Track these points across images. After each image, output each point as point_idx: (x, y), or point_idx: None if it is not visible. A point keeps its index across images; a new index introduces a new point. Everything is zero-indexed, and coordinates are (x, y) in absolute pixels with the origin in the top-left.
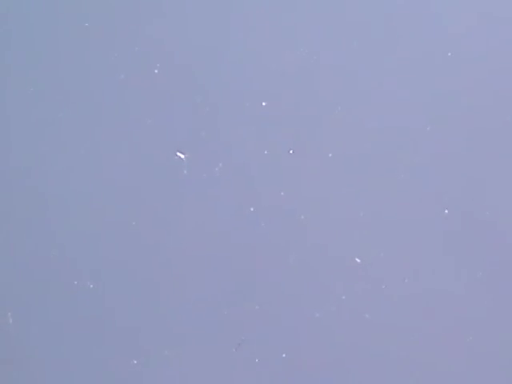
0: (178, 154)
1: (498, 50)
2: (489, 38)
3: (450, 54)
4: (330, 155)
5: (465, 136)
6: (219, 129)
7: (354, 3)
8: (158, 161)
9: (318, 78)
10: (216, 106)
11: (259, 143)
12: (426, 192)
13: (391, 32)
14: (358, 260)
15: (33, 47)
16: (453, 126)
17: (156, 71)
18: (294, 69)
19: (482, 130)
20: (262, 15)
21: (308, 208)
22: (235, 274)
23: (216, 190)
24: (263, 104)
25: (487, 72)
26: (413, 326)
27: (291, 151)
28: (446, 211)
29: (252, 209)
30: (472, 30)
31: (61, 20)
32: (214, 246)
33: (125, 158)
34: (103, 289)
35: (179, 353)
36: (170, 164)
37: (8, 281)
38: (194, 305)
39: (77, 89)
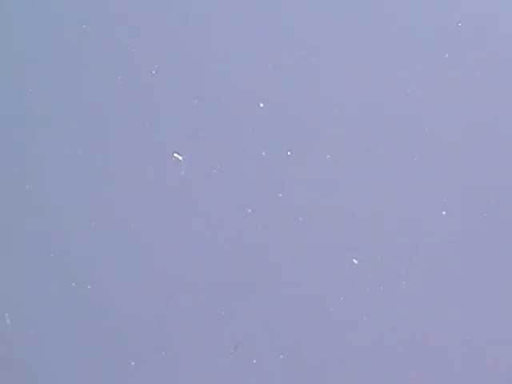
0: (176, 155)
1: (498, 50)
2: (488, 39)
3: (447, 56)
4: (328, 156)
5: (464, 138)
6: (217, 130)
7: (353, 4)
8: (155, 162)
9: (316, 79)
10: (213, 107)
11: (257, 144)
12: (424, 194)
13: (390, 34)
14: (356, 261)
15: (30, 49)
16: (452, 129)
17: (153, 72)
18: (292, 69)
19: (482, 133)
20: (260, 16)
21: (306, 209)
22: (233, 276)
23: (214, 191)
24: (261, 105)
25: (488, 73)
26: (411, 327)
27: (289, 153)
28: (444, 213)
29: (249, 210)
30: (472, 30)
31: (58, 21)
32: (212, 247)
33: (122, 159)
34: (101, 290)
35: (177, 354)
36: (167, 165)
37: (5, 282)
38: (192, 306)
39: (73, 90)
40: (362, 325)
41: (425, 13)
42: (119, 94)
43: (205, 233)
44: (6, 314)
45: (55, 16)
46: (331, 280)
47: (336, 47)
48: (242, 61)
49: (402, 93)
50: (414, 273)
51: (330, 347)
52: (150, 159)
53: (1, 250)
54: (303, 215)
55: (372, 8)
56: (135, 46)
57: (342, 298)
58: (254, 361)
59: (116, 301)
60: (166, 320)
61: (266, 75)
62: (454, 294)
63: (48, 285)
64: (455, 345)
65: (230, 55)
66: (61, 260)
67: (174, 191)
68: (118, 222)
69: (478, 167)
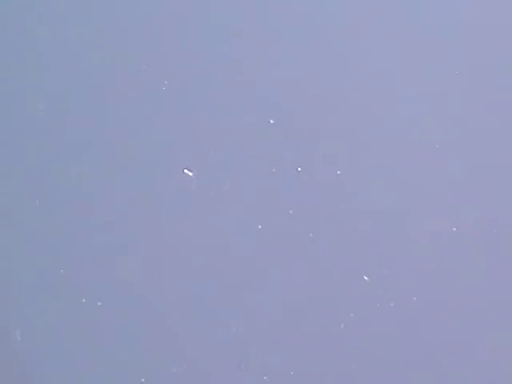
0: (186, 171)
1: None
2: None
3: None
4: (339, 172)
5: (477, 155)
6: (227, 146)
7: (366, 21)
8: (165, 178)
9: (327, 96)
10: (224, 123)
11: (267, 161)
12: (434, 210)
13: (403, 47)
14: (366, 278)
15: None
16: (464, 145)
17: (164, 88)
18: (302, 86)
19: (494, 148)
20: (271, 30)
21: (316, 226)
22: (243, 292)
23: (224, 208)
24: (271, 122)
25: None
26: (422, 344)
27: (299, 169)
28: (454, 229)
29: (260, 226)
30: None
31: (62, 28)
32: (222, 264)
33: (131, 175)
34: (111, 307)
35: (187, 370)
36: (177, 181)
37: (16, 298)
38: (202, 322)
39: (83, 106)
40: (373, 341)
41: (426, 14)
42: (129, 109)
43: (215, 249)
44: (17, 331)
45: (57, 19)
46: (342, 297)
47: (348, 63)
48: (253, 77)
49: (414, 109)
50: (425, 289)
51: (340, 364)
52: (159, 175)
53: (11, 268)
54: (314, 232)
55: (387, 26)
56: (146, 62)
57: (352, 315)
58: (265, 377)
59: (126, 317)
60: (176, 336)
61: (276, 91)
62: (465, 310)
63: (58, 301)
64: (467, 362)
65: (241, 71)
66: (70, 276)
67: (184, 208)
68: (127, 238)
69: (488, 184)
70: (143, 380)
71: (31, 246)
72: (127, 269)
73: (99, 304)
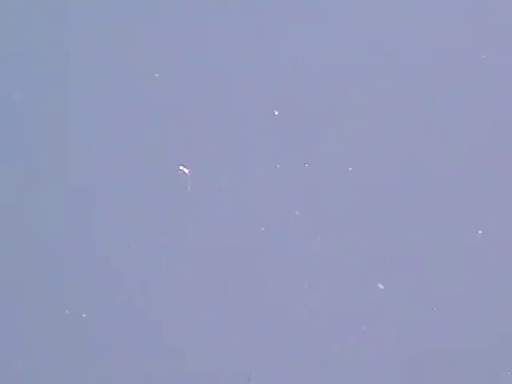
0: (181, 168)
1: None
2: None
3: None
4: (350, 169)
5: (500, 161)
6: (226, 140)
7: (370, 19)
8: (159, 176)
9: (335, 85)
10: (223, 113)
11: (271, 156)
12: (453, 215)
13: (409, 46)
14: (381, 286)
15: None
16: (486, 149)
17: (156, 75)
18: (308, 74)
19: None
20: (274, 23)
21: (326, 229)
22: (245, 302)
23: (223, 208)
24: (275, 113)
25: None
26: (441, 356)
27: (306, 165)
28: (480, 232)
29: (263, 229)
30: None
31: (57, 26)
32: (222, 271)
33: (123, 172)
34: (97, 318)
35: None
36: (172, 180)
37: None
38: (202, 336)
39: (79, 101)
40: (388, 355)
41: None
42: (123, 104)
43: (213, 255)
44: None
45: (56, 19)
46: (354, 306)
47: (355, 55)
48: (255, 64)
49: (425, 105)
50: (443, 299)
51: (352, 379)
52: (153, 173)
53: None
54: (323, 235)
55: (390, 23)
56: (140, 52)
57: (365, 327)
58: None
59: (122, 332)
60: (174, 351)
61: (281, 80)
62: (485, 321)
63: (40, 312)
64: (484, 374)
65: (242, 60)
66: (53, 286)
67: (180, 209)
68: (118, 242)
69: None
70: None
71: (12, 255)
72: (116, 277)
73: (84, 316)
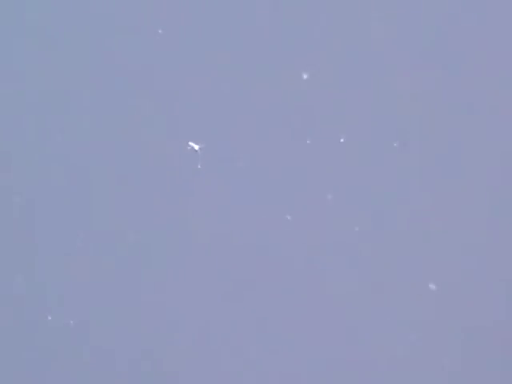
0: (191, 144)
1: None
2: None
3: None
4: (395, 145)
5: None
6: (243, 111)
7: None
8: (167, 153)
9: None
10: (238, 82)
11: (299, 129)
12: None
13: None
14: (433, 286)
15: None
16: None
17: (160, 32)
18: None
19: None
20: (276, 25)
21: (364, 215)
22: (260, 308)
23: (239, 192)
24: (304, 77)
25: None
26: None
27: (342, 140)
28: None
29: (288, 217)
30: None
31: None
32: (235, 268)
33: (128, 151)
34: (89, 326)
35: None
36: (180, 157)
37: None
38: (200, 346)
39: (83, 80)
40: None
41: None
42: (128, 80)
43: (226, 246)
44: None
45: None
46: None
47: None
48: (269, 42)
49: (430, 105)
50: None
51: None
52: (160, 149)
53: None
54: (361, 224)
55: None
56: (149, 18)
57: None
58: None
59: (109, 343)
60: (167, 360)
61: (310, 37)
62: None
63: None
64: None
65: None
66: (37, 289)
67: (188, 190)
68: (117, 232)
69: None
70: None
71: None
72: (112, 273)
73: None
